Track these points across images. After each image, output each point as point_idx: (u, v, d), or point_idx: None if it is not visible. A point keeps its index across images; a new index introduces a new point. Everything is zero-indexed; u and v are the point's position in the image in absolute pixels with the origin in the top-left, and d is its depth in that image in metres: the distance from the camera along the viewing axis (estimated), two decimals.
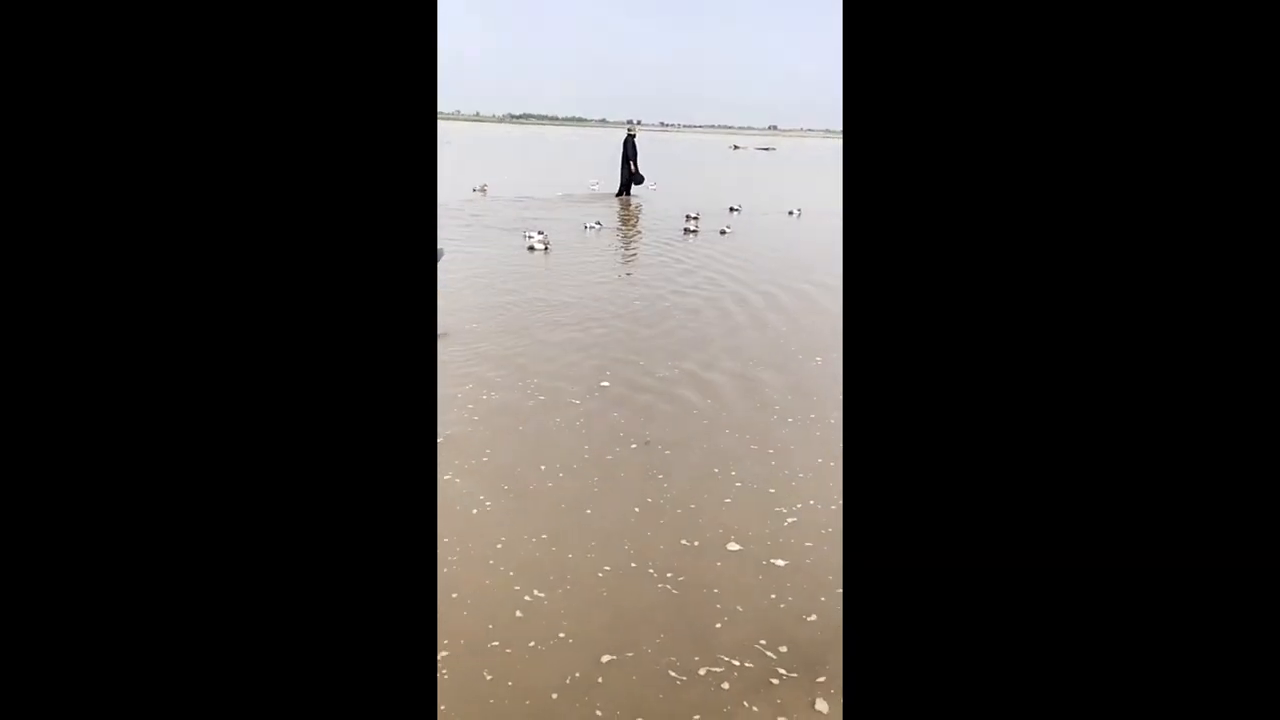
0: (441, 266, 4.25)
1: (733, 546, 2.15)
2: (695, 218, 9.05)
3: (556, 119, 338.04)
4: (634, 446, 2.80)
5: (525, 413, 3.07)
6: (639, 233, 8.70)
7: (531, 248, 6.88)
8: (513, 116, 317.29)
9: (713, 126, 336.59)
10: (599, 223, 8.77)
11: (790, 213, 10.84)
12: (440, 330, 3.93)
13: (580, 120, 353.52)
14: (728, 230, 8.52)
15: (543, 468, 2.59)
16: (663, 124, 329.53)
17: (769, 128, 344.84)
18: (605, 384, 3.44)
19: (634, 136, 12.31)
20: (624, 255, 7.20)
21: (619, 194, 12.27)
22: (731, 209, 10.76)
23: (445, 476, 2.47)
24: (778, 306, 5.11)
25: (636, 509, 2.35)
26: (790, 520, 2.31)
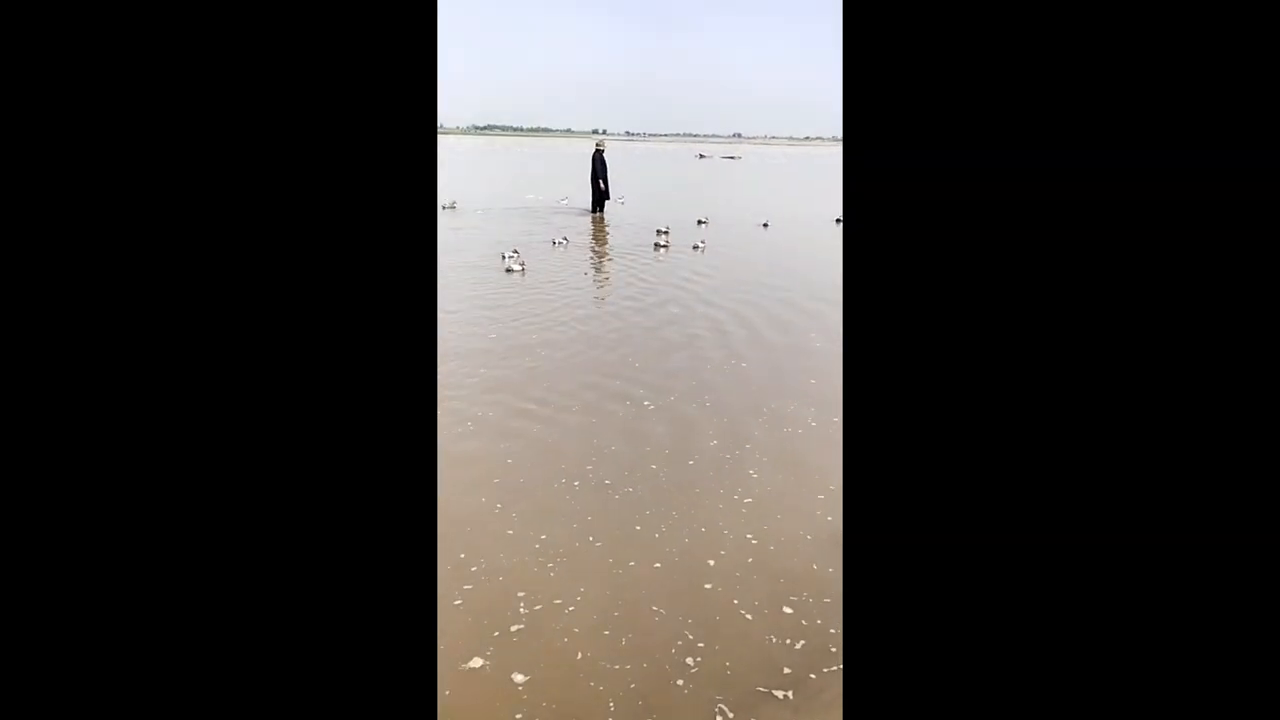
0: None
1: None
2: (665, 232, 8.92)
3: (521, 130, 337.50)
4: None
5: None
6: (610, 249, 8.52)
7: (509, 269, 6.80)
8: (476, 128, 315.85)
9: (678, 135, 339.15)
10: (566, 238, 8.67)
11: (764, 225, 10.78)
12: None
13: (546, 130, 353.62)
14: (700, 246, 8.42)
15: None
16: (628, 133, 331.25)
17: (734, 135, 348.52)
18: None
19: (603, 151, 11.92)
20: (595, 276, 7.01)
21: (592, 211, 11.91)
22: (700, 222, 10.68)
23: None
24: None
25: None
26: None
